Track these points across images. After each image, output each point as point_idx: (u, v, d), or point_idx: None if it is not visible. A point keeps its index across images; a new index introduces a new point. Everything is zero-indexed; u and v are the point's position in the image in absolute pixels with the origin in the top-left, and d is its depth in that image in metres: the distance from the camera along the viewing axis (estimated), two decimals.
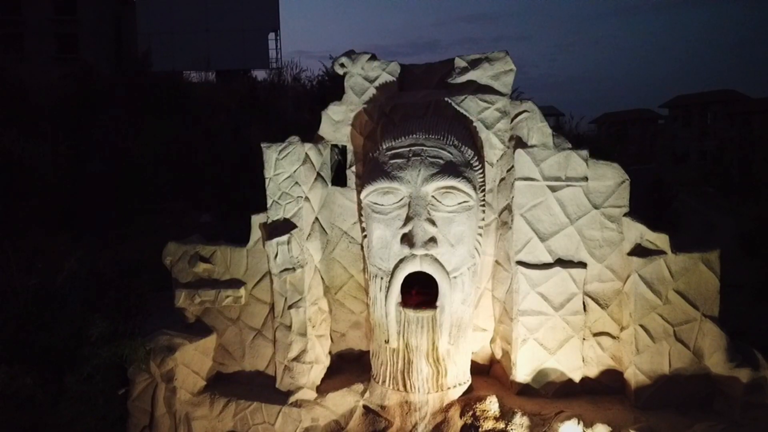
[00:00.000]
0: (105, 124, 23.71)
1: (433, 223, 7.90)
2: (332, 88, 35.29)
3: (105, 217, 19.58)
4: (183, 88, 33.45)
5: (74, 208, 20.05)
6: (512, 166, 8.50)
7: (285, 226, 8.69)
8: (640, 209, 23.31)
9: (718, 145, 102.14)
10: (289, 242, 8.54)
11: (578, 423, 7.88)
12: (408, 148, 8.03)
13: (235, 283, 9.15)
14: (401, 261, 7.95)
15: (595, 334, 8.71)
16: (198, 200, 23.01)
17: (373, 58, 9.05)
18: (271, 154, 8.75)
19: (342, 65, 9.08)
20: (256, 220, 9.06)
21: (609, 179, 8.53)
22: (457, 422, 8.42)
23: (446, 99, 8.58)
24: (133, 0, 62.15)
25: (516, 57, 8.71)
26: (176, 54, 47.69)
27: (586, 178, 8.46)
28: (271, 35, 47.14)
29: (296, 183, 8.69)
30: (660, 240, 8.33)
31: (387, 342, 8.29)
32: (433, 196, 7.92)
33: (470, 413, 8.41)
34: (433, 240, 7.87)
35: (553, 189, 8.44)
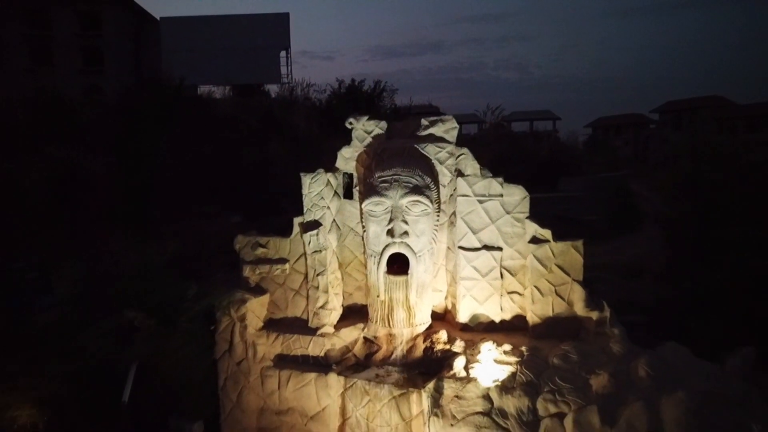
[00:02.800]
0: (145, 138, 28.90)
1: (406, 222, 13.04)
2: (338, 105, 40.57)
3: (153, 218, 24.85)
4: (211, 106, 38.68)
5: (127, 211, 25.14)
6: (456, 188, 13.64)
7: (314, 224, 13.84)
8: (606, 211, 28.86)
9: (706, 151, 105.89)
10: (317, 234, 13.68)
11: (493, 344, 13.03)
12: (391, 177, 13.16)
13: (282, 261, 14.31)
14: (387, 246, 13.11)
15: (509, 292, 13.87)
16: (227, 203, 28.17)
17: (371, 118, 14.18)
18: (306, 180, 13.92)
19: (350, 123, 14.22)
20: (297, 220, 14.20)
21: (517, 195, 13.66)
22: (421, 346, 13.59)
23: (415, 146, 13.74)
24: (152, 16, 67.21)
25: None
26: (196, 69, 52.79)
27: (501, 195, 13.59)
28: (282, 53, 52.07)
29: (322, 197, 13.85)
30: (547, 234, 13.47)
31: (378, 296, 13.43)
32: (406, 206, 13.05)
33: (429, 340, 13.59)
34: (406, 233, 13.02)
35: (480, 201, 13.59)
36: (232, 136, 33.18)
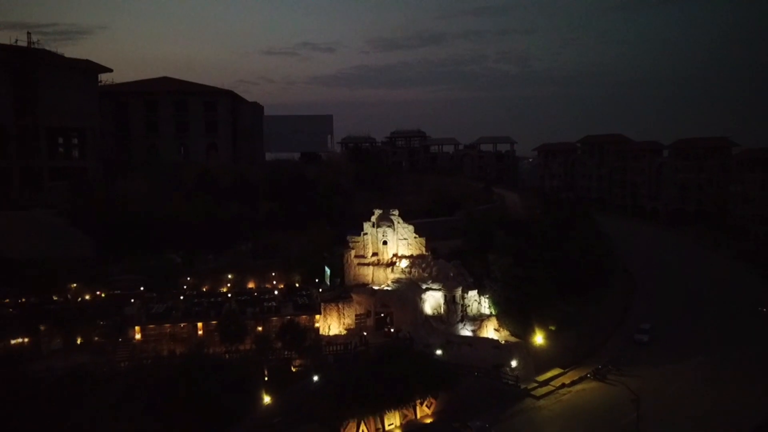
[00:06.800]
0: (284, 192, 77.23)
1: (386, 233, 61.09)
2: (358, 159, 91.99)
3: (300, 227, 73.20)
4: (304, 172, 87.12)
5: (283, 224, 73.32)
6: (397, 226, 61.62)
7: (366, 234, 61.65)
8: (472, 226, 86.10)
9: (608, 173, 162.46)
10: (367, 235, 61.48)
11: (405, 259, 61.11)
12: (383, 222, 61.26)
13: (357, 241, 62.15)
14: (383, 239, 61.23)
15: (409, 248, 61.93)
16: (323, 221, 76.52)
17: (379, 208, 61.84)
18: (365, 223, 61.84)
19: (373, 211, 61.98)
20: (363, 233, 61.89)
21: (410, 228, 61.92)
22: (390, 260, 61.69)
23: (389, 216, 61.63)
24: (244, 99, 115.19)
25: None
26: (281, 144, 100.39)
27: (408, 227, 61.61)
28: (328, 136, 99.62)
29: (369, 227, 61.69)
30: (417, 235, 61.50)
31: (380, 249, 61.58)
32: (386, 230, 61.12)
33: (392, 259, 61.71)
34: (387, 235, 61.11)
35: (403, 228, 61.74)
36: (317, 189, 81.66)
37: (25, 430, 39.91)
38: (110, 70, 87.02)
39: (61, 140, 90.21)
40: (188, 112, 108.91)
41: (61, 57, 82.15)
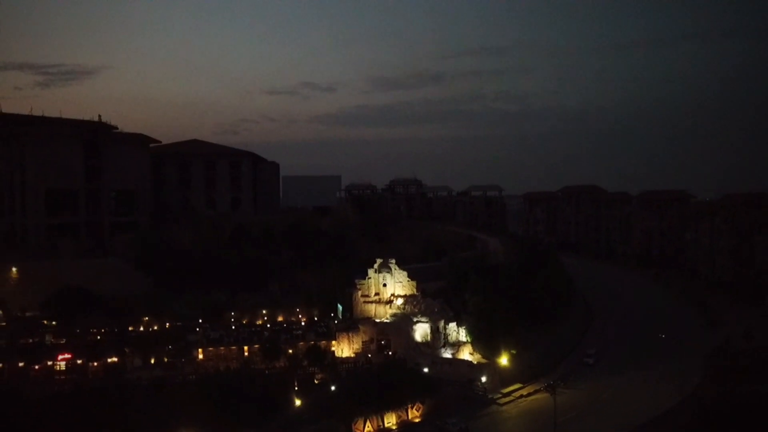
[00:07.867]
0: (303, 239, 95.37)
1: (386, 278, 78.54)
2: (362, 210, 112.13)
3: (316, 267, 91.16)
4: (315, 222, 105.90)
5: (301, 267, 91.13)
6: (394, 271, 79.10)
7: (369, 278, 78.99)
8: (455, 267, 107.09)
9: (584, 219, 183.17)
10: (371, 279, 78.82)
11: (400, 298, 78.39)
12: (384, 267, 78.66)
13: (362, 283, 79.44)
14: (383, 281, 78.69)
15: (404, 288, 79.35)
16: (332, 264, 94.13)
17: (379, 257, 79.34)
18: (370, 269, 79.33)
19: (376, 261, 79.51)
20: (367, 277, 79.28)
21: (404, 272, 79.31)
22: (388, 298, 78.89)
23: (388, 264, 79.21)
24: (264, 158, 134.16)
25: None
26: (298, 198, 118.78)
27: (403, 272, 79.08)
28: (336, 192, 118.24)
29: (371, 272, 79.10)
30: (409, 278, 78.98)
31: (381, 289, 78.92)
32: (386, 274, 78.50)
33: (390, 297, 78.94)
34: (386, 278, 78.54)
35: (400, 273, 79.07)
36: (329, 237, 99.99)
37: (128, 420, 56.47)
38: (159, 142, 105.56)
39: (113, 194, 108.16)
40: (216, 170, 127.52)
41: (121, 132, 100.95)
